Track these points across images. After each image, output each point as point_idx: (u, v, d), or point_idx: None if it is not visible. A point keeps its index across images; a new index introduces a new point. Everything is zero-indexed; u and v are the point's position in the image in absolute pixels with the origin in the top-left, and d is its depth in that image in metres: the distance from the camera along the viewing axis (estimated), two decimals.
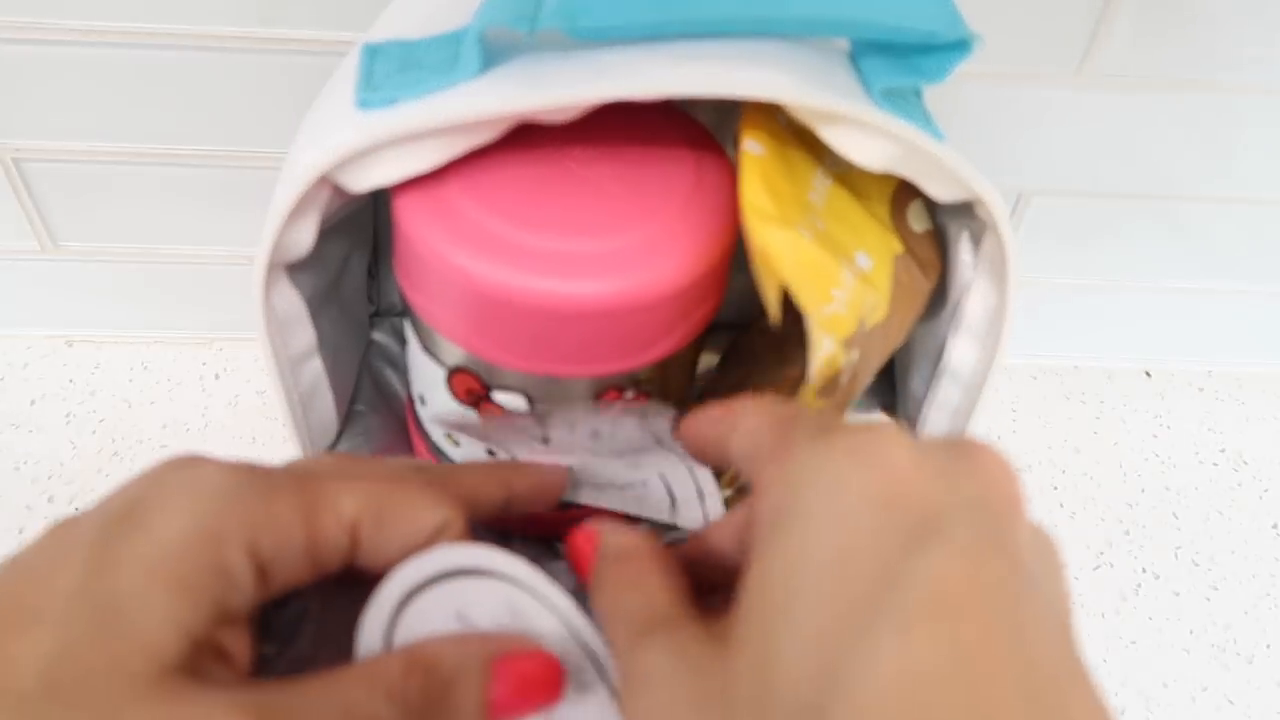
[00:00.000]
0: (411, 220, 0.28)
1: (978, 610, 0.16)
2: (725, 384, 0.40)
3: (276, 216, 0.27)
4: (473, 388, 0.31)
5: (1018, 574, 0.16)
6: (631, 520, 0.31)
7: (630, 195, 0.29)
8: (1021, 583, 0.16)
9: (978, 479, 0.18)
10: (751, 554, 0.18)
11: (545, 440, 0.29)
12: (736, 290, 0.32)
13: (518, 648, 0.21)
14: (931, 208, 0.33)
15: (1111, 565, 0.48)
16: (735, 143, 0.28)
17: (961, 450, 0.19)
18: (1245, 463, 0.53)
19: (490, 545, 0.22)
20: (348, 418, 0.38)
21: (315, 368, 0.33)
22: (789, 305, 0.27)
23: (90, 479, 0.47)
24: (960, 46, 0.25)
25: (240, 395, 0.51)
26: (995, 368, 0.32)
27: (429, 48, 0.27)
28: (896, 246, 0.31)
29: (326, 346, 0.34)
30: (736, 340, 0.43)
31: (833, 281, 0.27)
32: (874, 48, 0.27)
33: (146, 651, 0.18)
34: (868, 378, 0.32)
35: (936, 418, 0.35)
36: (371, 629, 0.21)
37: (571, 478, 0.29)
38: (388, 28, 0.29)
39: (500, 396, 0.31)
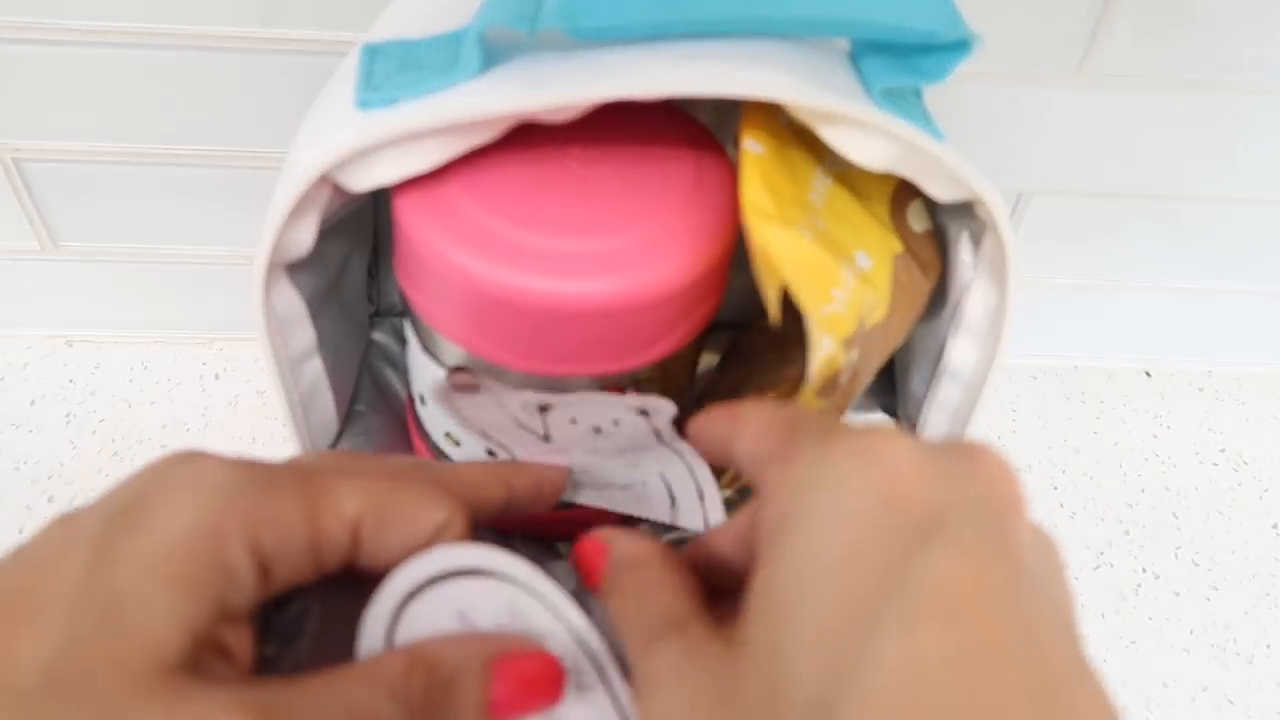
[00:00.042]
0: (411, 220, 0.28)
1: (981, 608, 0.16)
2: (725, 384, 0.40)
3: (276, 216, 0.27)
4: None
5: (1020, 573, 0.16)
6: (631, 521, 0.31)
7: (630, 195, 0.29)
8: (1024, 582, 0.16)
9: (979, 480, 0.18)
10: (758, 557, 0.18)
11: (546, 439, 0.29)
12: (736, 290, 0.32)
13: (518, 648, 0.22)
14: (931, 207, 0.33)
15: (1111, 565, 0.48)
16: (735, 142, 0.28)
17: (963, 452, 0.19)
18: (1245, 463, 0.53)
19: (491, 545, 0.22)
20: (348, 418, 0.38)
21: (315, 368, 0.33)
22: (789, 305, 0.27)
23: (90, 479, 0.47)
24: (960, 46, 0.25)
25: (240, 395, 0.51)
26: (995, 368, 0.32)
27: (429, 48, 0.27)
28: (896, 246, 0.31)
29: (326, 346, 0.34)
30: (736, 340, 0.43)
31: (833, 281, 0.27)
32: (874, 48, 0.27)
33: (148, 649, 0.18)
34: (868, 378, 0.32)
35: (936, 418, 0.35)
36: (373, 629, 0.21)
37: (572, 478, 0.29)
38: (388, 28, 0.29)
39: None
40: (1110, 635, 0.45)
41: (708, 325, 0.31)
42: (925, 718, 0.15)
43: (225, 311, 0.52)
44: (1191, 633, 0.46)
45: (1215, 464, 0.53)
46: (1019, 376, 0.56)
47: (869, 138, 0.26)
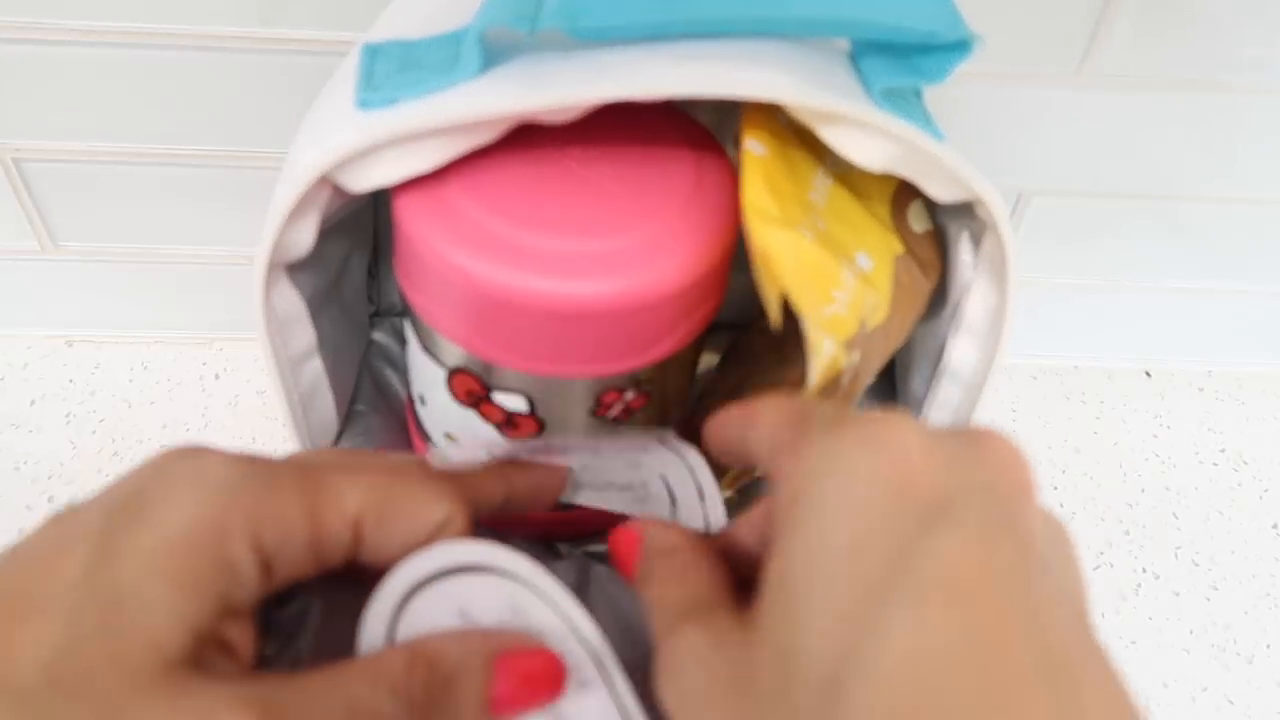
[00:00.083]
0: (411, 220, 0.28)
1: (990, 591, 0.16)
2: (725, 384, 0.40)
3: (276, 216, 0.27)
4: (473, 388, 0.31)
5: (1029, 557, 0.17)
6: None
7: (631, 195, 0.29)
8: (1033, 565, 0.17)
9: (989, 465, 0.18)
10: (772, 544, 0.19)
11: (546, 443, 0.29)
12: (736, 290, 0.32)
13: (520, 645, 0.22)
14: (932, 208, 0.33)
15: (1111, 565, 0.48)
16: (736, 143, 0.28)
17: (972, 437, 0.19)
18: (1245, 463, 0.53)
19: (492, 541, 0.22)
20: (348, 418, 0.38)
21: (315, 368, 0.33)
22: (789, 307, 0.27)
23: (90, 479, 0.47)
24: (960, 47, 0.25)
25: (240, 395, 0.51)
26: (995, 368, 0.32)
27: (429, 48, 0.27)
28: (897, 247, 0.31)
29: (326, 346, 0.34)
30: (736, 340, 0.43)
31: (834, 282, 0.27)
32: (874, 48, 0.27)
33: (150, 646, 0.18)
34: (868, 379, 0.32)
35: (937, 418, 0.35)
36: (374, 625, 0.21)
37: (572, 478, 0.29)
38: (388, 28, 0.29)
39: (500, 397, 0.31)
40: (1110, 635, 0.45)
41: (708, 325, 0.31)
42: (932, 697, 0.15)
43: (225, 311, 0.52)
44: (1191, 633, 0.46)
45: (1215, 464, 0.53)
46: (1019, 376, 0.56)
47: (869, 138, 0.26)
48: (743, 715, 0.18)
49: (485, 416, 0.32)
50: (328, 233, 0.30)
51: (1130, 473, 0.52)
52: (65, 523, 0.20)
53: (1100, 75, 0.42)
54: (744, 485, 0.37)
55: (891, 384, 0.39)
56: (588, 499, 0.30)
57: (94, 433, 0.49)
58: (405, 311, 0.33)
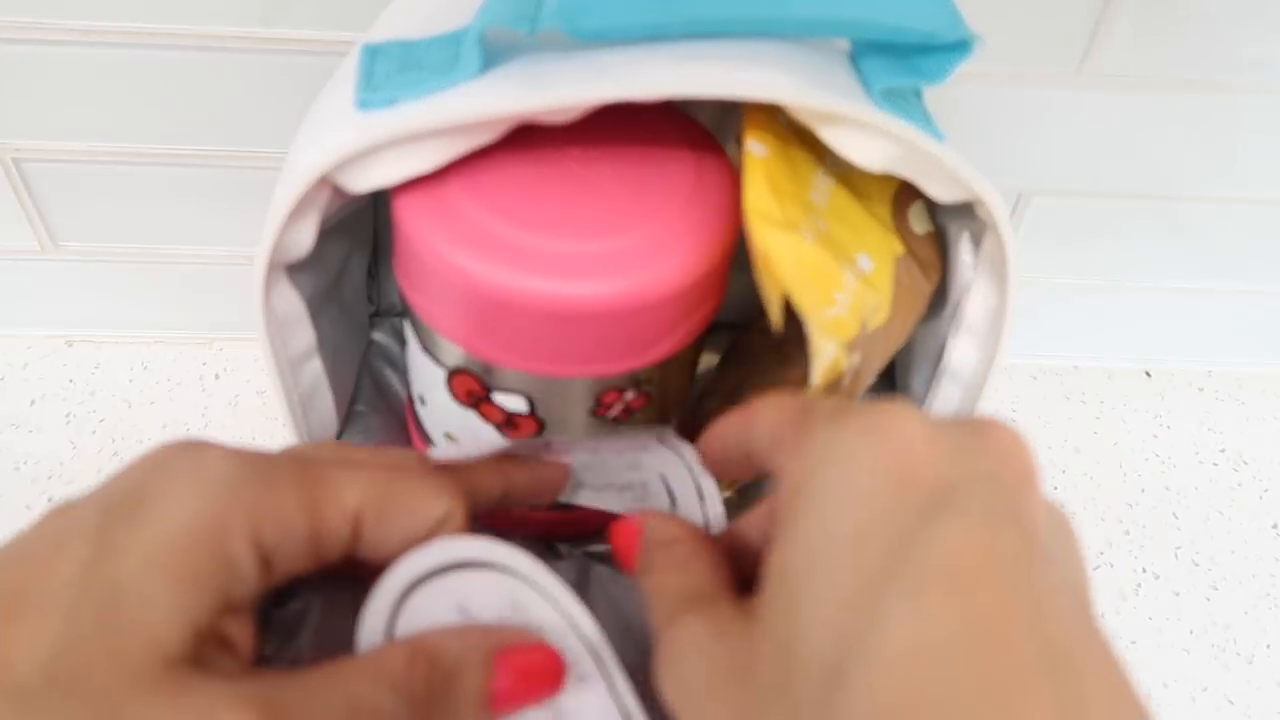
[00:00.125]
0: (411, 220, 0.28)
1: (991, 580, 0.16)
2: (725, 384, 0.40)
3: (276, 216, 0.27)
4: (472, 388, 0.31)
5: (1031, 546, 0.17)
6: None
7: (631, 195, 0.29)
8: (1035, 554, 0.16)
9: (991, 454, 0.18)
10: (774, 534, 0.19)
11: (547, 444, 0.29)
12: (736, 290, 0.32)
13: (519, 640, 0.22)
14: (932, 208, 0.33)
15: (1111, 565, 0.48)
16: (736, 143, 0.28)
17: (976, 427, 0.19)
18: (1245, 463, 0.53)
19: (491, 538, 0.22)
20: (348, 418, 0.38)
21: (315, 368, 0.33)
22: (790, 308, 0.27)
23: (90, 479, 0.47)
24: (960, 47, 0.25)
25: (240, 395, 0.51)
26: (995, 368, 0.32)
27: (429, 48, 0.27)
28: (898, 248, 0.31)
29: (326, 346, 0.34)
30: (736, 340, 0.43)
31: (835, 284, 0.27)
32: (874, 48, 0.27)
33: (149, 643, 0.18)
34: (869, 379, 0.32)
35: None
36: (373, 622, 0.21)
37: (572, 478, 0.29)
38: (388, 28, 0.29)
39: (500, 397, 0.31)
40: (1110, 635, 0.45)
41: (708, 326, 0.31)
42: (932, 685, 0.15)
43: (225, 311, 0.52)
44: (1191, 633, 0.46)
45: (1215, 464, 0.53)
46: (1019, 376, 0.56)
47: (869, 138, 0.26)
48: (743, 705, 0.18)
49: (485, 417, 0.32)
50: (328, 233, 0.30)
51: (1130, 473, 0.52)
52: (61, 518, 0.19)
53: (1100, 75, 0.42)
54: (744, 486, 0.37)
55: (892, 384, 0.39)
56: (587, 499, 0.30)
57: (94, 433, 0.49)
58: (405, 312, 0.33)
